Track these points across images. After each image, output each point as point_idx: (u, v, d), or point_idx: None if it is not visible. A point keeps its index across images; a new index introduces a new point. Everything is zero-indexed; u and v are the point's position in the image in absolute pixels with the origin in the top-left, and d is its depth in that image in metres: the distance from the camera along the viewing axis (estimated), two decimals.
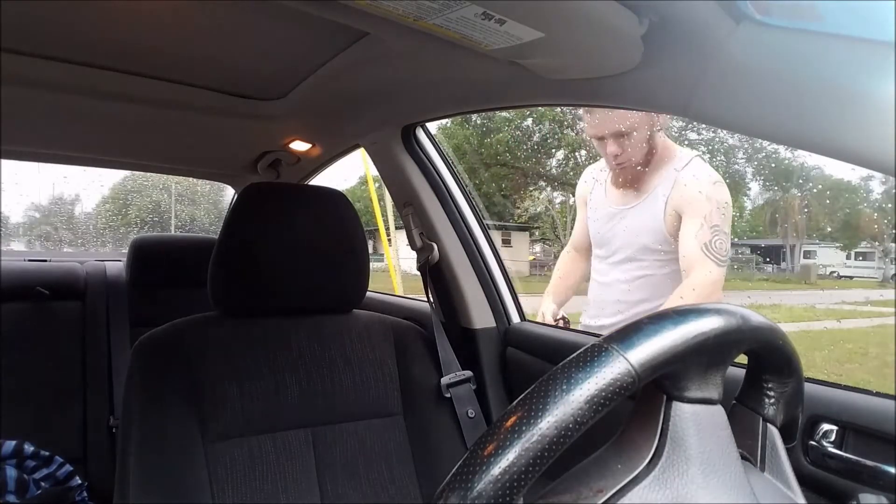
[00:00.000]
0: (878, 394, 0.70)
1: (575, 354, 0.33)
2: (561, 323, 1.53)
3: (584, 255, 1.67)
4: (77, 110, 1.29)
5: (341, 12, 0.70)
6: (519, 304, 1.32)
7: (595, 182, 1.59)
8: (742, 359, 0.46)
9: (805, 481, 0.72)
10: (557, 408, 0.30)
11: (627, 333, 0.34)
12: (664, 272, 1.43)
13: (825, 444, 0.71)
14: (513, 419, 0.30)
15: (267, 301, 0.96)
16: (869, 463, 0.67)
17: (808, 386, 0.79)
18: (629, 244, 1.46)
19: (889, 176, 0.65)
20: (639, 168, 1.43)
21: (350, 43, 0.97)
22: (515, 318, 1.30)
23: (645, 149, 1.40)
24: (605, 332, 0.35)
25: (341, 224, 1.00)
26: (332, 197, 1.02)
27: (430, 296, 1.27)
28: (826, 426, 0.72)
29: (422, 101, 1.13)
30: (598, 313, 1.55)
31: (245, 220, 0.95)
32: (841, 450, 0.70)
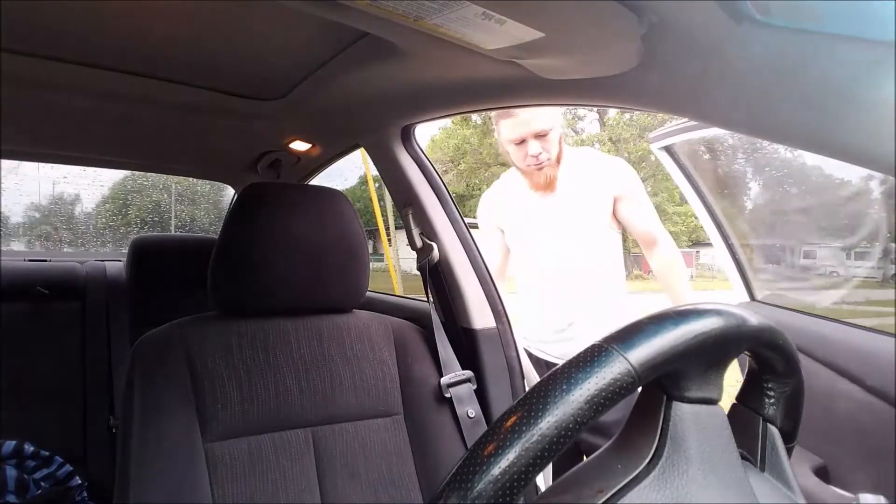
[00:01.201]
0: None
1: (575, 355, 0.33)
2: None
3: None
4: (77, 110, 1.29)
5: (341, 12, 0.70)
6: None
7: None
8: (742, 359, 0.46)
9: None
10: (557, 408, 0.30)
11: (627, 333, 0.34)
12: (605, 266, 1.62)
13: None
14: (513, 419, 0.30)
15: (267, 301, 0.96)
16: None
17: None
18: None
19: (889, 176, 0.65)
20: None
21: (350, 43, 0.97)
22: None
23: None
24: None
25: (341, 224, 1.00)
26: (332, 197, 1.02)
27: (430, 296, 1.27)
28: None
29: (422, 101, 1.13)
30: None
31: (245, 220, 0.95)
32: None
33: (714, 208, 1.59)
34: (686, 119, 1.40)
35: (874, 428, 0.90)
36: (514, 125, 1.54)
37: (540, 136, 1.53)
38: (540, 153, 1.54)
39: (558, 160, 1.59)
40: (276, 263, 0.94)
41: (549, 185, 1.58)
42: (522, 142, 1.54)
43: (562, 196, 1.61)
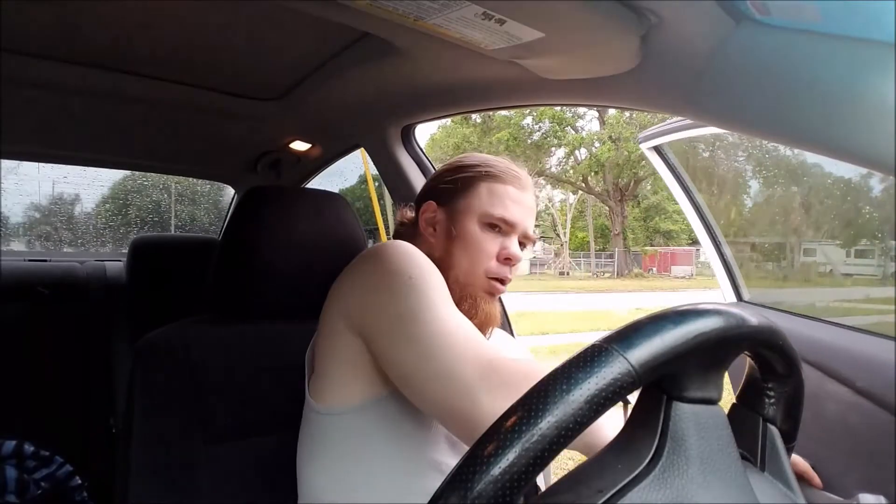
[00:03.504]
0: None
1: (575, 354, 0.33)
2: None
3: None
4: (77, 110, 1.29)
5: (341, 12, 0.70)
6: None
7: None
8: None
9: None
10: (557, 408, 0.30)
11: (627, 333, 0.34)
12: None
13: None
14: (513, 419, 0.30)
15: (268, 304, 0.96)
16: None
17: None
18: None
19: (889, 175, 0.65)
20: None
21: (350, 43, 0.97)
22: None
23: None
24: None
25: (341, 226, 1.00)
26: (331, 200, 1.02)
27: None
28: None
29: (422, 101, 1.13)
30: None
31: (246, 224, 0.95)
32: None
33: (702, 208, 1.54)
34: (677, 119, 1.39)
35: (864, 430, 0.90)
36: (513, 196, 0.85)
37: (527, 241, 0.88)
38: (518, 263, 0.86)
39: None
40: (277, 267, 0.94)
41: (495, 323, 0.88)
42: (498, 228, 0.83)
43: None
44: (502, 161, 0.88)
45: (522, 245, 0.86)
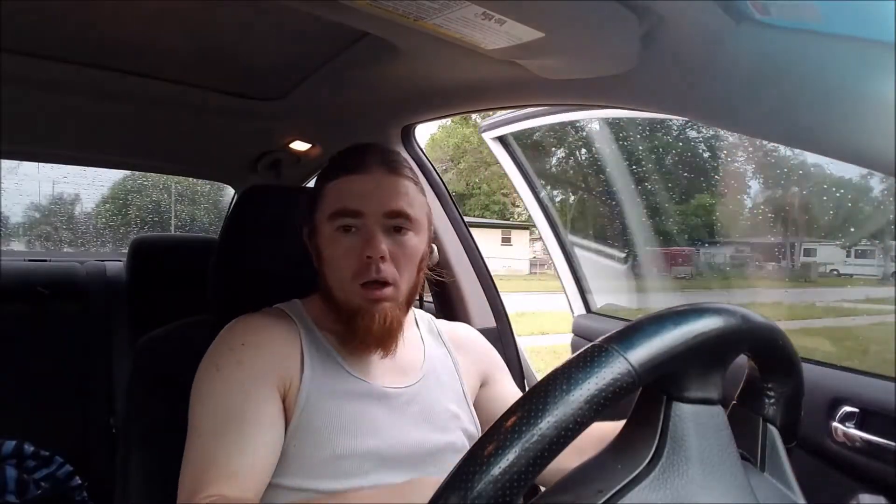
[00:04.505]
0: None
1: (575, 354, 0.33)
2: None
3: None
4: (77, 110, 1.29)
5: (341, 12, 0.70)
6: None
7: None
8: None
9: (831, 460, 0.77)
10: (557, 408, 0.30)
11: (627, 334, 0.34)
12: None
13: (848, 425, 0.76)
14: (513, 419, 0.30)
15: (267, 303, 0.96)
16: (891, 443, 0.70)
17: (829, 371, 0.84)
18: None
19: (889, 175, 0.65)
20: None
21: (350, 43, 0.97)
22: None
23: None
24: None
25: None
26: None
27: (430, 296, 1.27)
28: (847, 408, 0.76)
29: (422, 101, 1.13)
30: None
31: (245, 223, 0.95)
32: (862, 430, 0.74)
33: (548, 206, 1.38)
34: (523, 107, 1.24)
35: None
36: (351, 180, 0.74)
37: (400, 220, 0.74)
38: (385, 255, 0.71)
39: (413, 296, 0.78)
40: (276, 266, 0.94)
41: (387, 338, 0.73)
42: (349, 226, 0.73)
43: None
44: (343, 153, 0.79)
45: (402, 229, 0.73)
